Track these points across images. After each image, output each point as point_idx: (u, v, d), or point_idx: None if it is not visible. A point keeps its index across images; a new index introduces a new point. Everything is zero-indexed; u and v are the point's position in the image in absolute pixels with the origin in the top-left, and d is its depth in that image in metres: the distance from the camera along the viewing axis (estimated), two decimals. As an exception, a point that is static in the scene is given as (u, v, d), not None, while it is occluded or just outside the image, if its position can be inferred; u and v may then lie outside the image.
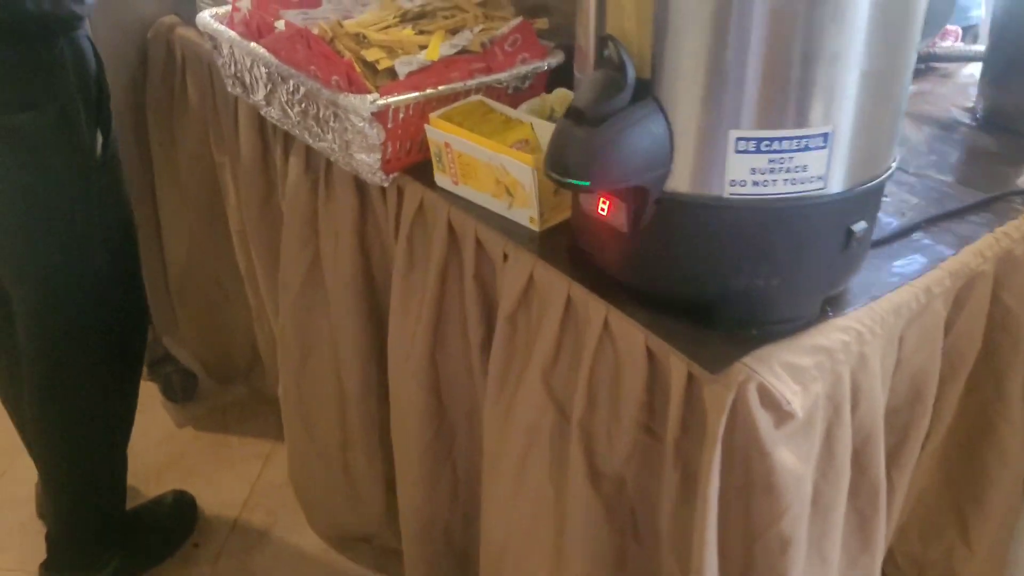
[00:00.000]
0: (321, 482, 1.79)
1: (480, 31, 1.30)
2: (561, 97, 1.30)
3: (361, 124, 1.19)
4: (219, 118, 1.74)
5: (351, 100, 1.17)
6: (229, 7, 1.49)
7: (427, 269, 1.28)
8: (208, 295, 2.11)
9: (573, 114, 0.87)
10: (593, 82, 0.88)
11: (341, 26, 1.24)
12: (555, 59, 1.34)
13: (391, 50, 1.23)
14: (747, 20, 0.82)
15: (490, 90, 1.28)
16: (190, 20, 1.81)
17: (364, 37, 1.23)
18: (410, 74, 1.21)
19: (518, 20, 1.31)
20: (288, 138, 1.51)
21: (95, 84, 1.44)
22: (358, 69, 1.20)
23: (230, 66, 1.45)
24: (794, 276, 0.95)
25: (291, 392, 1.72)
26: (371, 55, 1.21)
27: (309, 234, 1.53)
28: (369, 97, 1.17)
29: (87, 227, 1.48)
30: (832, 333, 0.98)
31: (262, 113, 1.44)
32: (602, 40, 0.88)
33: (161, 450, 2.15)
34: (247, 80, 1.42)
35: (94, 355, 1.58)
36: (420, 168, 1.28)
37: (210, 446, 2.18)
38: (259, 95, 1.41)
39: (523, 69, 1.31)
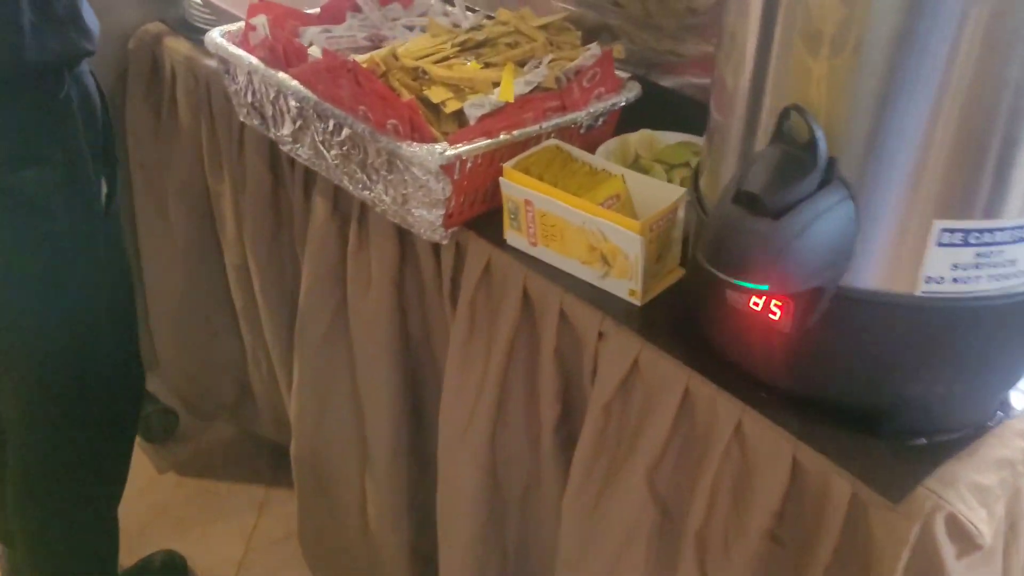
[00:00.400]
0: (335, 543, 1.62)
1: (551, 62, 1.12)
2: (645, 140, 1.14)
3: (425, 177, 1.01)
4: (218, 143, 1.53)
5: (416, 151, 0.99)
6: (242, 24, 1.29)
7: (492, 338, 1.11)
8: (195, 330, 1.90)
9: (745, 200, 0.71)
10: (769, 161, 0.72)
11: (396, 59, 1.06)
12: (632, 93, 1.17)
13: (457, 88, 1.05)
14: (977, 91, 0.67)
15: (562, 131, 1.11)
16: (179, 28, 1.61)
17: (424, 72, 1.05)
18: (482, 117, 1.03)
19: (596, 50, 1.13)
20: (310, 173, 1.32)
21: (101, 127, 1.23)
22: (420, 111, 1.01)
23: (246, 94, 1.25)
24: (978, 380, 0.81)
25: (305, 447, 1.55)
26: (436, 95, 1.03)
27: (334, 282, 1.35)
28: (437, 147, 0.99)
29: (90, 289, 1.28)
30: (1012, 440, 0.84)
31: (285, 150, 1.25)
32: (784, 111, 0.71)
33: (143, 500, 1.94)
34: (269, 112, 1.22)
35: (89, 422, 1.38)
36: (482, 221, 1.11)
37: (197, 494, 1.98)
38: (284, 130, 1.21)
39: (600, 106, 1.14)
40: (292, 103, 1.16)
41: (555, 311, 1.03)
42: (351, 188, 1.15)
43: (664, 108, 1.22)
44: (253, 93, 1.23)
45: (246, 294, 1.65)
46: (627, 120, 1.20)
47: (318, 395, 1.45)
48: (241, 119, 1.31)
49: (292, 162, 1.36)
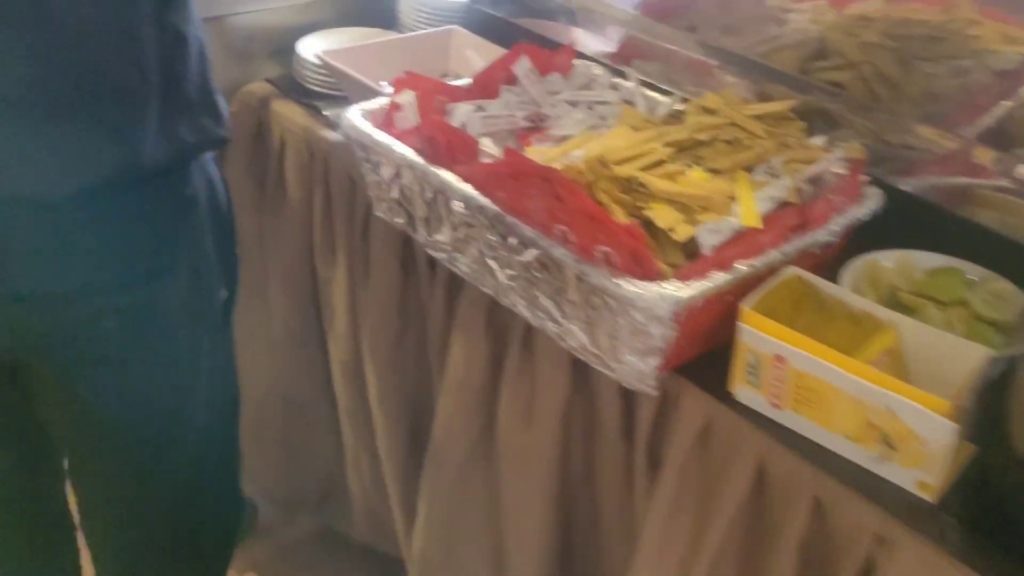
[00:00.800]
0: None
1: (785, 165, 0.90)
2: (901, 264, 0.91)
3: (646, 322, 0.79)
4: (333, 226, 1.33)
5: (640, 292, 0.77)
6: (382, 101, 1.08)
7: (708, 515, 0.88)
8: (283, 419, 1.69)
9: None
10: None
11: (605, 166, 0.84)
12: (874, 202, 0.95)
13: (683, 206, 0.82)
14: None
15: (800, 254, 0.89)
16: (289, 91, 1.41)
17: (640, 184, 0.83)
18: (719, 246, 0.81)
19: (839, 151, 0.91)
20: (455, 279, 1.11)
21: (227, 224, 1.03)
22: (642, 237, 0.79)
23: (391, 189, 1.04)
24: None
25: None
26: (662, 218, 0.80)
27: (480, 407, 1.14)
28: (668, 288, 0.77)
29: (199, 412, 1.07)
30: None
31: (439, 258, 1.03)
32: None
33: (221, 608, 1.73)
34: (420, 214, 1.01)
35: (185, 552, 1.17)
36: (697, 365, 0.89)
37: (281, 601, 1.77)
38: (440, 236, 1.00)
39: (841, 222, 0.91)
40: (457, 208, 0.94)
41: (807, 497, 0.80)
42: (528, 315, 0.93)
43: (904, 218, 0.99)
44: (402, 190, 1.01)
45: (354, 393, 1.44)
46: (869, 236, 0.96)
47: (450, 533, 1.24)
48: (378, 214, 1.10)
49: (432, 262, 1.15)
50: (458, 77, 1.37)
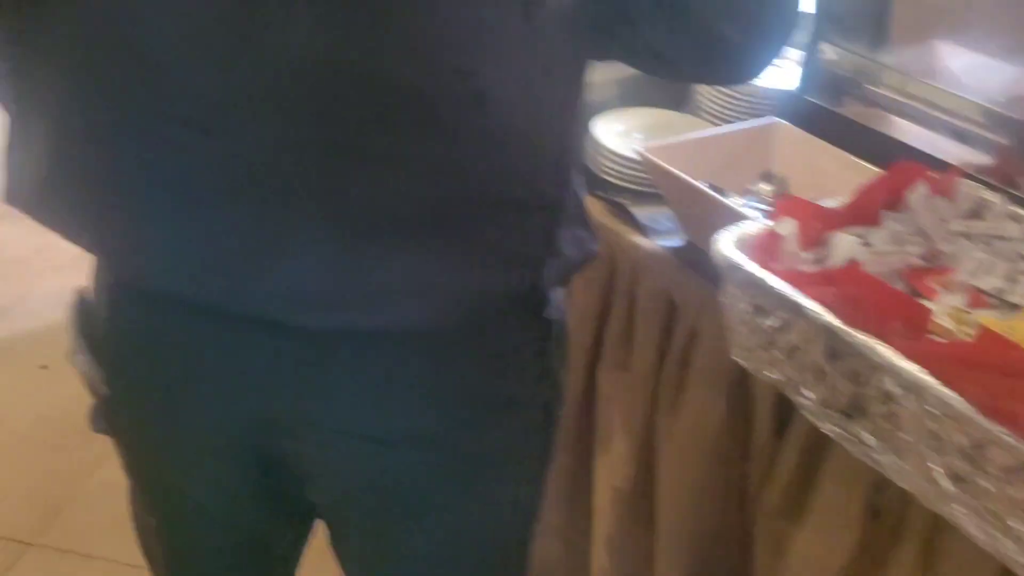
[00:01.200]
0: None
1: None
2: None
3: None
4: (631, 344, 1.15)
5: None
6: (754, 226, 0.91)
7: None
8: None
9: None
10: None
11: None
12: None
13: None
14: None
15: None
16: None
17: None
18: None
19: None
20: (819, 443, 0.92)
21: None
22: None
23: (773, 339, 0.85)
24: None
25: None
26: None
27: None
28: None
29: (509, 552, 0.94)
30: None
31: (830, 432, 0.84)
32: None
33: None
34: (813, 377, 0.83)
35: None
36: None
37: None
38: (843, 410, 0.81)
39: None
40: (888, 388, 0.75)
41: None
42: (978, 535, 0.73)
43: None
44: (794, 350, 0.83)
45: (622, 522, 1.27)
46: None
47: None
48: (739, 360, 0.92)
49: (784, 416, 0.97)
50: (782, 179, 1.20)
